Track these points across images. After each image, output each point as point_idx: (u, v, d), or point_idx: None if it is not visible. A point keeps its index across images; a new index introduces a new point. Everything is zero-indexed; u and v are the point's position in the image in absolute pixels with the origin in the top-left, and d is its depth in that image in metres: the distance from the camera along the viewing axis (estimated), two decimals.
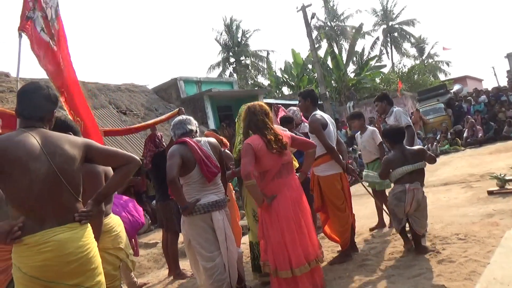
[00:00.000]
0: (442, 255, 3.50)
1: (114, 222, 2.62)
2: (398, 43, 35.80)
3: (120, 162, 2.10)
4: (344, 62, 24.08)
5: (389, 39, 35.75)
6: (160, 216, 4.61)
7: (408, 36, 35.69)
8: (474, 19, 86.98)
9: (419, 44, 36.19)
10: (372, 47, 29.52)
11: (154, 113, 12.32)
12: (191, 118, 3.51)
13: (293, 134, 3.41)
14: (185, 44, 78.88)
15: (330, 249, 4.34)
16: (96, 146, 2.10)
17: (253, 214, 3.57)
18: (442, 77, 34.47)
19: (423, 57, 36.36)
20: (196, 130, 3.48)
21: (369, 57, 27.13)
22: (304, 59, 24.17)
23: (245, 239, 4.33)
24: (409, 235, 4.09)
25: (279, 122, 4.88)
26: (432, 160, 3.83)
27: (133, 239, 4.35)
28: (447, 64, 35.58)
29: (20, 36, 4.01)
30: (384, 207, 4.64)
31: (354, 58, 26.33)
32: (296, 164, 4.09)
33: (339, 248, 4.12)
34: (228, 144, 4.75)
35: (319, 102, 18.03)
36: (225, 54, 30.89)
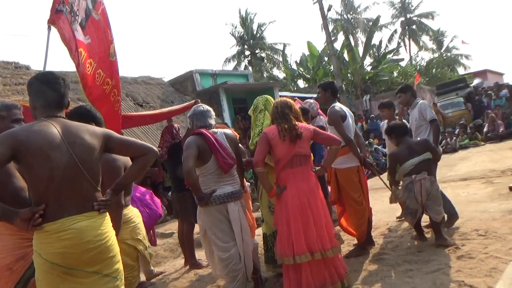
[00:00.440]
0: (461, 251, 3.44)
1: (133, 213, 2.64)
2: (416, 36, 35.08)
3: (138, 152, 2.13)
4: (361, 55, 23.72)
5: (407, 32, 35.06)
6: (176, 207, 4.64)
7: (426, 29, 34.92)
8: (496, 11, 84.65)
9: (438, 37, 35.39)
10: (389, 40, 29.05)
11: (170, 106, 12.39)
12: (211, 110, 3.52)
13: (317, 129, 3.38)
14: (201, 36, 79.05)
15: (346, 242, 4.30)
16: (116, 137, 2.13)
17: (268, 205, 3.56)
18: (461, 71, 33.75)
19: (442, 51, 35.57)
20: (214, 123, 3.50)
21: (386, 50, 26.70)
22: (320, 52, 23.92)
23: (259, 231, 4.33)
24: (427, 230, 4.05)
25: None
26: (437, 155, 3.91)
27: (151, 230, 4.40)
28: (467, 57, 34.77)
29: (49, 29, 3.99)
30: None
31: (371, 51, 25.93)
32: None
33: (355, 241, 4.10)
34: (239, 136, 4.74)
35: None
36: (240, 47, 30.79)
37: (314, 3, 18.07)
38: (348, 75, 23.61)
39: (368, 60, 25.80)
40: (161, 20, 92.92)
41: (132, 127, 8.42)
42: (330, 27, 25.53)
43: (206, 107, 3.49)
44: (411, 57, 34.47)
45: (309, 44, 23.41)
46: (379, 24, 28.10)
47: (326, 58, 23.95)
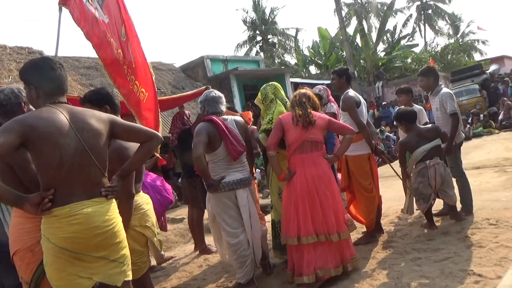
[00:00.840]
0: (471, 240, 3.42)
1: (143, 200, 2.62)
2: (432, 20, 34.26)
3: (143, 138, 2.14)
4: (374, 40, 23.32)
5: (422, 17, 34.25)
6: (186, 193, 4.69)
7: (442, 14, 34.06)
8: None
9: (454, 22, 34.49)
10: (404, 25, 28.40)
11: (181, 92, 12.39)
12: (223, 96, 3.52)
13: (332, 119, 3.42)
14: (213, 22, 78.48)
15: (355, 230, 4.32)
16: (121, 122, 2.14)
17: (278, 192, 3.58)
18: (477, 56, 32.91)
19: (458, 36, 34.70)
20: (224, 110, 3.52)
21: (400, 35, 26.17)
22: (332, 37, 23.57)
23: (268, 217, 4.36)
24: (436, 219, 4.03)
25: None
26: (447, 141, 3.95)
27: (161, 216, 4.45)
28: (484, 43, 33.85)
29: (60, 10, 3.87)
30: None
31: (385, 37, 25.44)
32: None
33: (364, 229, 4.10)
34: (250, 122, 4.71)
35: None
36: (251, 32, 30.49)
37: None
38: (361, 61, 23.27)
39: (381, 46, 25.38)
40: (173, 5, 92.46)
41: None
42: (343, 12, 25.04)
43: (218, 93, 3.50)
44: (426, 42, 33.78)
45: (320, 30, 23.06)
46: (394, 9, 27.49)
47: (338, 44, 23.60)
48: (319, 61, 24.44)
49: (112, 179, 2.05)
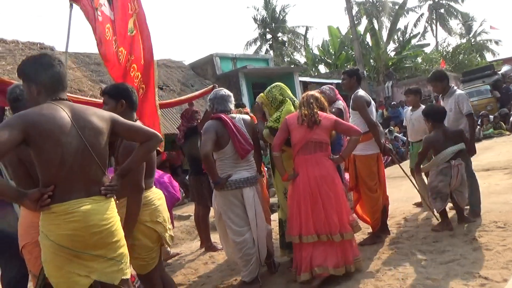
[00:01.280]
0: (478, 243, 3.39)
1: (154, 195, 2.59)
2: (444, 20, 33.86)
3: (143, 138, 2.14)
4: (385, 40, 23.13)
5: (434, 16, 33.88)
6: (192, 190, 4.72)
7: (455, 13, 33.64)
8: None
9: (467, 22, 34.04)
10: (415, 24, 28.09)
11: (190, 89, 12.46)
12: (232, 95, 3.55)
13: (339, 119, 3.41)
14: (223, 19, 78.51)
15: (360, 231, 4.30)
16: (121, 121, 2.12)
17: (283, 191, 3.58)
18: (490, 57, 32.45)
19: (470, 36, 34.24)
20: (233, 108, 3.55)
21: (411, 34, 25.90)
22: (342, 36, 23.42)
23: (275, 216, 4.37)
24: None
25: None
26: (469, 146, 3.99)
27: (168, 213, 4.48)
28: (497, 43, 33.35)
29: (71, 6, 3.84)
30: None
31: (395, 36, 25.21)
32: None
33: (370, 230, 4.09)
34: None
35: None
36: (262, 30, 30.44)
37: None
38: (371, 60, 23.10)
39: (392, 46, 25.15)
40: (183, 2, 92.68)
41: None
42: (354, 11, 24.86)
43: (228, 92, 3.52)
44: (437, 42, 33.40)
45: (330, 28, 22.94)
46: (405, 8, 27.21)
47: (348, 43, 23.45)
48: (328, 60, 24.30)
49: (112, 178, 2.05)
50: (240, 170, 3.28)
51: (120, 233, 2.01)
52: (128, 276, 2.05)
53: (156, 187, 3.69)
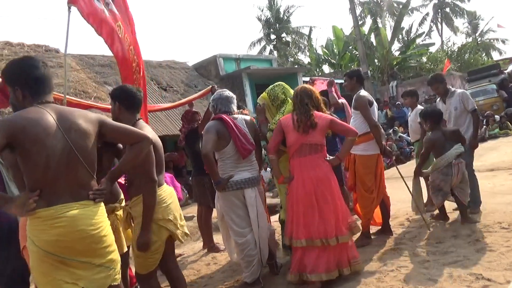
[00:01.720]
0: (482, 243, 3.36)
1: (166, 193, 2.58)
2: (449, 19, 33.64)
3: (132, 140, 2.09)
4: (389, 39, 23.03)
5: (439, 15, 33.67)
6: (195, 191, 4.73)
7: (461, 12, 33.41)
8: None
9: (473, 20, 33.80)
10: (420, 24, 27.95)
11: (194, 90, 12.48)
12: (235, 96, 3.57)
13: (335, 119, 3.38)
14: (227, 20, 78.63)
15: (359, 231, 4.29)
16: (109, 123, 2.07)
17: (285, 192, 3.57)
18: (496, 56, 32.20)
19: (476, 35, 33.99)
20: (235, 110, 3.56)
21: (416, 34, 25.78)
22: (346, 36, 23.36)
23: (276, 217, 4.36)
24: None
25: None
26: (465, 144, 4.11)
27: None
28: (503, 42, 33.09)
29: (69, 9, 3.80)
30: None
31: (400, 36, 25.10)
32: None
33: (373, 230, 4.08)
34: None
35: None
36: (266, 31, 30.44)
37: None
38: (375, 60, 23.01)
39: (396, 45, 25.06)
40: (187, 3, 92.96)
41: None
42: (358, 11, 24.80)
43: (231, 93, 3.54)
44: (442, 41, 33.22)
45: (335, 28, 22.89)
46: (410, 7, 27.09)
47: (352, 43, 23.38)
48: (332, 60, 24.24)
49: (101, 182, 2.00)
50: (241, 170, 3.28)
51: (110, 238, 1.96)
52: (118, 282, 2.00)
53: None
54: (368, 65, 19.26)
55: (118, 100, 2.65)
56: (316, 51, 26.10)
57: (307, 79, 4.63)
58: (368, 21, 27.35)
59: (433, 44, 27.41)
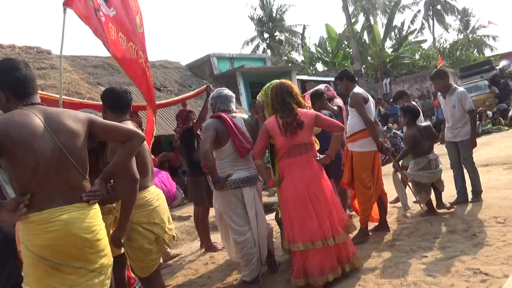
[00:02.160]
0: (478, 238, 3.39)
1: (152, 196, 2.55)
2: (441, 16, 33.86)
3: (124, 137, 2.05)
4: (382, 37, 23.12)
5: (431, 12, 33.86)
6: (191, 191, 4.71)
7: (452, 9, 33.63)
8: None
9: (464, 17, 34.05)
10: (412, 21, 28.02)
11: (188, 90, 12.43)
12: (234, 95, 3.58)
13: (319, 114, 3.27)
14: (219, 20, 78.46)
15: (358, 226, 4.30)
16: (99, 122, 2.04)
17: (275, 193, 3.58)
18: (488, 52, 32.46)
19: (468, 31, 34.25)
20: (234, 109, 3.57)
21: (408, 31, 25.89)
22: (339, 34, 23.41)
23: (272, 216, 4.36)
24: (444, 216, 4.00)
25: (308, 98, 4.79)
26: (437, 140, 4.54)
27: None
28: (494, 38, 33.39)
29: (64, 11, 3.73)
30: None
31: (393, 33, 25.19)
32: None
33: (370, 227, 4.09)
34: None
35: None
36: (259, 29, 30.38)
37: None
38: (368, 58, 23.08)
39: (389, 43, 25.15)
40: (179, 3, 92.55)
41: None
42: (350, 9, 24.85)
43: (230, 92, 3.55)
44: (434, 38, 33.39)
45: (328, 27, 22.92)
46: (401, 5, 27.22)
47: (345, 41, 23.44)
48: (326, 58, 24.29)
49: (95, 183, 1.95)
50: (240, 169, 3.28)
51: (104, 242, 1.92)
52: (108, 287, 1.95)
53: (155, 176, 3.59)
54: (362, 62, 19.32)
55: (104, 101, 2.68)
56: (309, 49, 26.13)
57: (323, 86, 4.63)
58: (361, 19, 27.45)
59: (425, 41, 27.56)
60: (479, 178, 4.58)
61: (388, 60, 23.07)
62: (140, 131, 2.16)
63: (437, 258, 3.14)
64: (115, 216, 2.57)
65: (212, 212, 4.67)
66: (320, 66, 25.86)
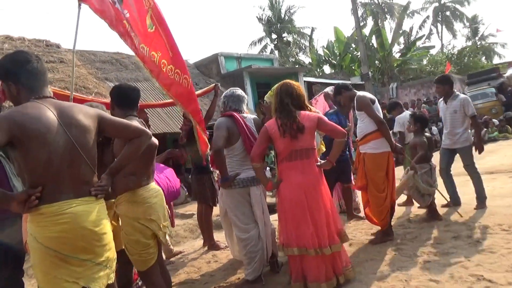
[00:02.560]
0: (482, 245, 3.38)
1: (149, 193, 2.56)
2: (449, 22, 33.73)
3: (132, 135, 2.08)
4: (390, 41, 23.06)
5: (440, 18, 33.74)
6: (195, 189, 4.73)
7: (461, 16, 33.50)
8: None
9: (473, 24, 33.90)
10: (421, 27, 27.93)
11: (195, 88, 12.42)
12: (246, 96, 3.63)
13: (323, 117, 3.14)
14: (227, 19, 78.55)
15: (364, 231, 4.30)
16: (109, 118, 2.06)
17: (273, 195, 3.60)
18: (496, 60, 32.28)
19: (476, 38, 34.08)
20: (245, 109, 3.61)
21: (417, 36, 25.82)
22: (347, 37, 23.38)
23: (275, 217, 4.37)
24: (446, 222, 3.99)
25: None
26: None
27: (168, 210, 4.44)
28: (503, 46, 33.18)
29: (79, 6, 3.73)
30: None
31: (401, 38, 25.13)
32: (323, 148, 4.06)
33: (374, 231, 4.08)
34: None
35: (360, 82, 17.55)
36: (267, 29, 30.37)
37: None
38: (376, 62, 23.04)
39: (397, 47, 25.09)
40: (188, 1, 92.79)
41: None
42: (360, 12, 24.79)
43: (243, 93, 3.59)
44: (442, 45, 33.29)
45: (336, 30, 22.91)
46: (410, 10, 27.15)
47: (353, 45, 23.40)
48: (333, 61, 24.26)
49: (102, 178, 1.98)
50: (248, 169, 3.30)
51: (109, 236, 1.94)
52: (112, 281, 1.98)
53: (157, 169, 3.60)
54: (369, 66, 19.27)
55: (111, 97, 2.73)
56: (317, 51, 26.11)
57: (330, 88, 4.66)
58: (370, 22, 27.41)
59: (433, 47, 27.52)
60: (483, 185, 4.60)
61: (395, 65, 23.01)
62: (147, 129, 2.18)
63: (441, 263, 3.14)
64: (113, 211, 2.61)
65: (215, 210, 4.69)
66: (327, 69, 25.86)
